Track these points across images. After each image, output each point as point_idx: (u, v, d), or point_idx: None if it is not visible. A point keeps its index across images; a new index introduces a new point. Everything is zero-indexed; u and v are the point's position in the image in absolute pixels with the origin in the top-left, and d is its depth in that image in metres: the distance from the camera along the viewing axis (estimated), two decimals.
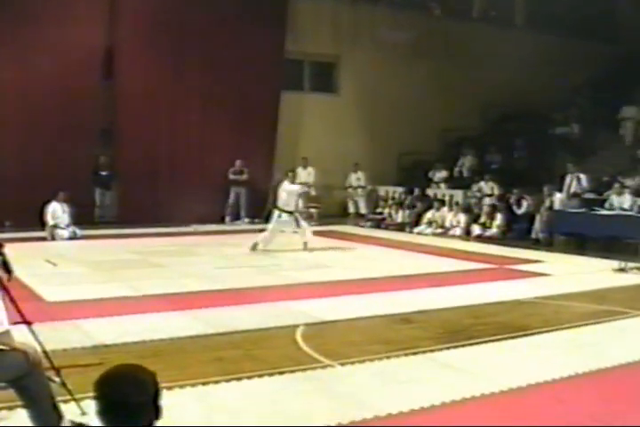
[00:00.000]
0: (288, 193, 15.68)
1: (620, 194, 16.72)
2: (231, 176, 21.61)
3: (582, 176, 18.54)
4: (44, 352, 5.29)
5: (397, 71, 24.46)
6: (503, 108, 25.56)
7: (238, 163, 21.57)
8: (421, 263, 14.25)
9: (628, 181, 18.03)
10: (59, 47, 19.40)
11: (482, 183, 20.60)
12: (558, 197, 17.90)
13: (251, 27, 21.82)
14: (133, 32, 20.35)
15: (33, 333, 5.39)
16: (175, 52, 21.15)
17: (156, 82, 21.06)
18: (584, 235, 16.78)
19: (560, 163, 20.10)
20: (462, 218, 19.52)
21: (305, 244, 15.49)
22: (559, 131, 23.52)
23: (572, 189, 18.32)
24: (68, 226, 17.56)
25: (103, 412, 2.82)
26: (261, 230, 16.11)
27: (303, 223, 15.91)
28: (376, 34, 24.25)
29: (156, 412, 2.90)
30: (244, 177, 21.64)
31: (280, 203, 15.78)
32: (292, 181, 16.12)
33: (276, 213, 15.72)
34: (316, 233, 18.54)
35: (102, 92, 20.34)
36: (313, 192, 22.07)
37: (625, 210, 16.32)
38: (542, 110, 25.16)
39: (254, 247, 15.27)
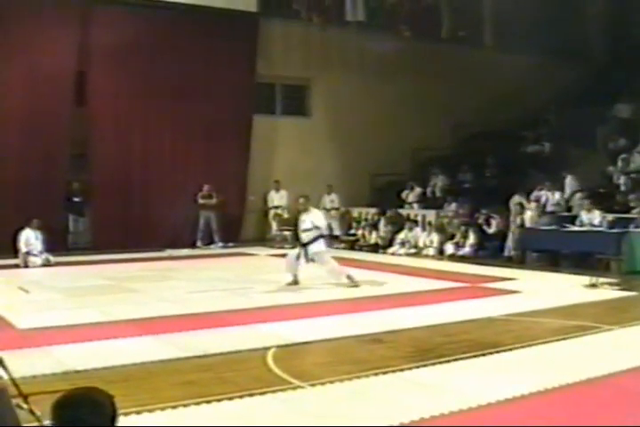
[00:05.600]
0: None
1: (589, 211, 16.85)
2: (200, 200, 21.58)
3: (552, 193, 18.80)
4: (11, 379, 5.27)
5: (368, 93, 24.62)
6: (474, 127, 25.76)
7: (206, 187, 21.55)
8: (394, 283, 14.23)
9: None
10: (30, 73, 19.47)
11: (454, 204, 20.69)
12: (529, 215, 18.02)
13: (222, 51, 21.98)
14: (105, 58, 20.36)
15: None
16: (147, 76, 21.21)
17: (127, 107, 21.13)
18: (556, 252, 16.92)
19: (531, 181, 20.25)
20: (435, 238, 19.59)
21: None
22: (530, 149, 23.68)
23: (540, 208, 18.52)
24: (41, 253, 17.47)
25: None
26: (236, 254, 15.97)
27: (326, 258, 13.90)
28: (346, 56, 24.42)
29: None
30: (214, 201, 21.61)
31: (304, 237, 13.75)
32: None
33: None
34: None
35: (74, 117, 20.32)
36: (286, 215, 22.15)
37: (595, 226, 16.46)
38: (513, 129, 25.37)
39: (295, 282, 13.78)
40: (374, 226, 21.71)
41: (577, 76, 27.30)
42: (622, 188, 18.78)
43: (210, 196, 21.57)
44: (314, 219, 13.77)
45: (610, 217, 16.71)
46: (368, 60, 24.54)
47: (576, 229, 16.71)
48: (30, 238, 17.49)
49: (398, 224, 21.05)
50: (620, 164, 19.50)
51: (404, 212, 22.02)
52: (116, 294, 12.90)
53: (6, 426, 4.73)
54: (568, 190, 19.24)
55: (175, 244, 20.66)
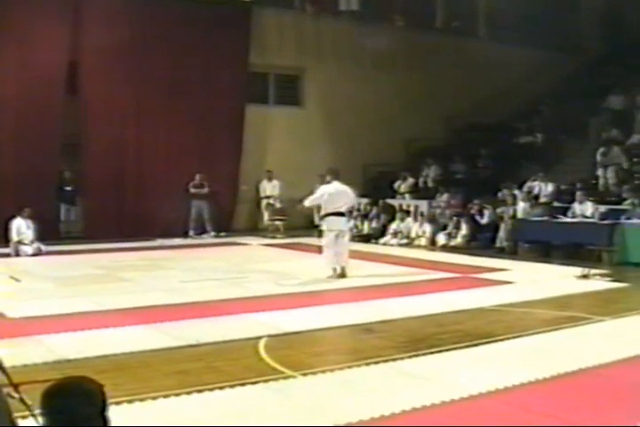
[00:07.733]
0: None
1: (582, 202, 16.87)
2: (192, 190, 21.45)
3: (545, 184, 18.83)
4: (2, 368, 5.25)
5: (362, 83, 24.56)
6: (467, 118, 25.74)
7: (198, 177, 21.42)
8: (386, 274, 14.24)
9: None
10: (21, 62, 19.30)
11: (446, 195, 20.70)
12: (521, 206, 18.04)
13: (215, 40, 21.87)
14: (97, 47, 20.14)
15: None
16: (139, 66, 21.05)
17: (120, 97, 20.99)
18: (548, 243, 16.93)
19: (525, 172, 20.28)
20: (427, 228, 19.58)
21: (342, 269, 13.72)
22: (523, 140, 23.70)
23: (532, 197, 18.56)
24: (32, 242, 17.37)
25: (50, 425, 2.81)
26: (228, 243, 15.94)
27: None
28: (339, 46, 24.38)
29: (104, 423, 2.88)
30: (205, 190, 21.50)
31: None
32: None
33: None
34: (282, 245, 18.62)
35: (66, 107, 20.21)
36: (278, 204, 22.15)
37: (587, 217, 16.48)
38: (506, 120, 25.39)
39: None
40: (366, 216, 21.70)
41: (570, 68, 27.32)
42: (610, 180, 18.83)
43: (202, 185, 21.46)
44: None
45: (602, 208, 16.72)
46: (361, 50, 24.48)
47: (568, 220, 16.75)
48: (22, 227, 17.42)
49: (390, 214, 21.04)
50: (599, 157, 19.43)
51: (396, 202, 21.98)
52: (109, 284, 12.83)
53: None
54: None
55: (167, 233, 20.57)
